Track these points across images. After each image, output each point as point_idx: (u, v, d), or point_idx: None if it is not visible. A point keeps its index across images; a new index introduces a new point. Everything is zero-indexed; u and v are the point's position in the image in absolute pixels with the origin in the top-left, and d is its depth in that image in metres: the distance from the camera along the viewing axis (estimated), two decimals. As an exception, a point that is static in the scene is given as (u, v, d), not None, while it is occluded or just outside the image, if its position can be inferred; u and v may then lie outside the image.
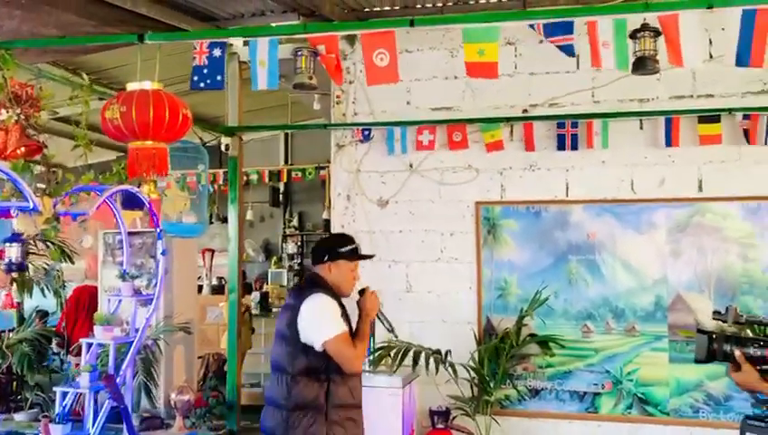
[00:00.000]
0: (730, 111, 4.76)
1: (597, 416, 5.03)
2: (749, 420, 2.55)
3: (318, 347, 3.02)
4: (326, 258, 3.23)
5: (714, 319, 2.70)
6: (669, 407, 4.88)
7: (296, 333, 3.07)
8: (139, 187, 4.18)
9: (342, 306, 3.18)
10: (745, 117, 4.74)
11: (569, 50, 3.14)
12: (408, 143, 5.39)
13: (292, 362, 3.07)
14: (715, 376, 4.73)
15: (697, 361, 2.63)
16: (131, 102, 3.28)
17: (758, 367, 2.48)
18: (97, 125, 3.76)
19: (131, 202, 4.91)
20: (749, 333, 2.63)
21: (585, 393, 5.07)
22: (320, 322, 3.06)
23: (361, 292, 3.28)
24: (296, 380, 3.05)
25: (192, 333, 5.71)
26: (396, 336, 3.57)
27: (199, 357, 7.13)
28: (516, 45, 5.24)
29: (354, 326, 3.21)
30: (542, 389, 5.15)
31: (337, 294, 3.19)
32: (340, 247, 3.25)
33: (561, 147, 5.08)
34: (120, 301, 4.50)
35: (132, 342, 4.25)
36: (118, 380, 3.89)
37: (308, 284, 3.29)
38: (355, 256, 3.27)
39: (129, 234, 4.96)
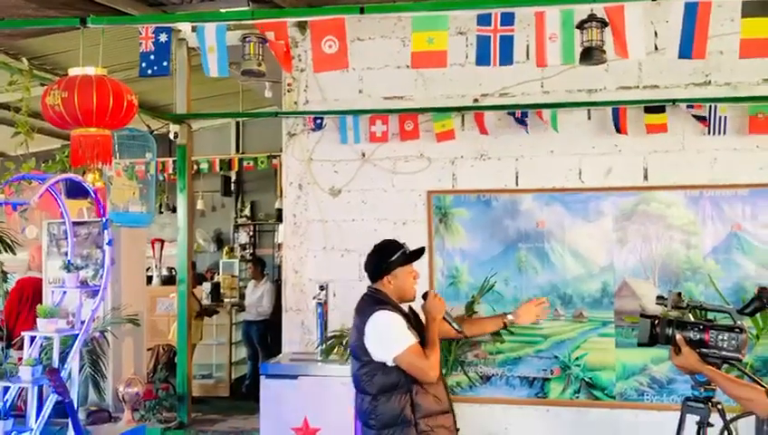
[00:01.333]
0: (674, 101, 4.87)
1: (546, 401, 5.13)
2: (689, 401, 2.63)
3: (390, 363, 3.03)
4: (382, 273, 3.21)
5: (657, 304, 2.76)
6: (615, 391, 5.00)
7: (366, 352, 3.09)
8: (83, 175, 4.07)
9: (408, 317, 3.16)
10: (689, 107, 4.86)
11: (508, 46, 3.18)
12: (361, 132, 5.38)
13: (370, 382, 3.09)
14: (659, 360, 4.87)
15: (640, 344, 2.72)
16: (73, 88, 3.18)
17: (697, 350, 2.55)
18: (39, 112, 3.65)
19: (76, 191, 4.79)
20: (690, 317, 2.69)
21: (534, 379, 5.16)
22: (387, 338, 3.07)
23: (424, 296, 3.26)
24: (377, 398, 3.06)
25: (140, 324, 5.61)
26: (465, 336, 3.51)
27: (149, 349, 7.02)
28: (467, 35, 5.25)
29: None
30: (493, 375, 5.22)
31: (399, 306, 3.17)
32: (390, 257, 3.22)
33: (510, 136, 5.13)
34: (64, 293, 4.38)
35: (78, 334, 4.15)
36: (62, 373, 3.79)
37: (369, 301, 3.22)
38: (408, 258, 3.24)
39: (75, 224, 4.83)
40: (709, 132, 4.83)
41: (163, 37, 3.25)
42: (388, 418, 3.02)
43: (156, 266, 9.07)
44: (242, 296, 8.78)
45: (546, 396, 5.13)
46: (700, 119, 4.84)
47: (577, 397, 5.07)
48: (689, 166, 4.98)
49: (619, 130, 4.93)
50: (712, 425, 2.55)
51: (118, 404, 5.30)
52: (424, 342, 3.11)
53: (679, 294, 2.77)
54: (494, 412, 5.19)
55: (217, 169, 9.50)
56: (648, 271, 4.99)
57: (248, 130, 10.84)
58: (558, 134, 5.05)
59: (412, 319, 3.23)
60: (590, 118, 5.11)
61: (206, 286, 8.69)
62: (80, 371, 4.69)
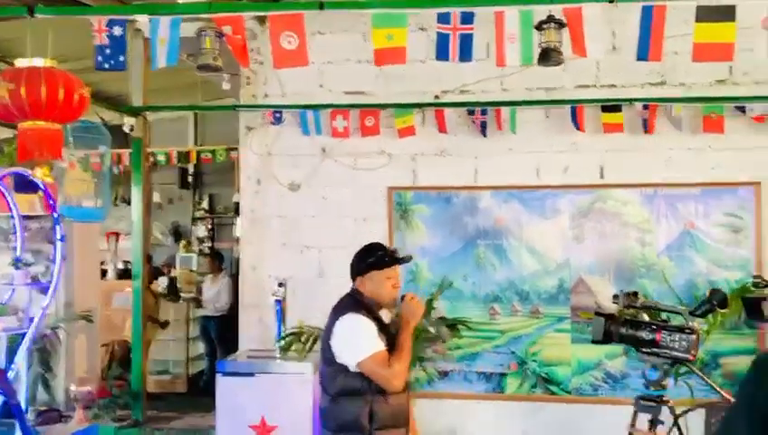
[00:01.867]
0: (631, 101, 4.95)
1: (503, 396, 5.18)
2: (641, 400, 2.66)
3: (352, 368, 2.95)
4: (358, 273, 3.13)
5: (612, 302, 2.79)
6: (571, 386, 5.08)
7: (332, 353, 3.02)
8: (32, 169, 3.95)
9: (381, 323, 3.06)
10: (645, 107, 4.94)
11: (468, 44, 3.18)
12: (321, 127, 5.33)
13: (331, 383, 3.03)
14: (613, 356, 4.96)
15: (594, 341, 2.74)
16: (20, 80, 3.08)
17: (649, 350, 2.59)
18: (-15, 102, 3.52)
19: (27, 184, 4.65)
20: (645, 317, 2.73)
21: (492, 374, 5.20)
22: (352, 342, 2.98)
23: (402, 298, 3.13)
24: (336, 400, 3.00)
25: (93, 321, 5.50)
26: (444, 341, 3.42)
27: (104, 345, 6.89)
28: (428, 31, 5.23)
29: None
30: (451, 370, 5.25)
31: (374, 311, 3.06)
32: (368, 258, 3.12)
33: (470, 133, 5.15)
34: (13, 290, 4.25)
35: (26, 333, 4.04)
36: (9, 373, 3.69)
37: (345, 302, 3.15)
38: (386, 263, 3.09)
39: (26, 218, 4.69)
40: (663, 132, 4.91)
41: (117, 30, 3.17)
42: (344, 422, 2.97)
43: (111, 260, 8.88)
44: (199, 291, 8.66)
45: (503, 391, 5.18)
46: (646, 124, 4.91)
47: (533, 392, 5.14)
48: (645, 165, 5.07)
49: (578, 128, 4.99)
50: (662, 422, 2.59)
51: (70, 403, 5.19)
52: (394, 347, 3.01)
53: (635, 293, 2.79)
54: (452, 407, 5.22)
55: (175, 161, 9.32)
56: (603, 268, 5.06)
57: (207, 121, 10.67)
58: (517, 132, 5.09)
59: (389, 325, 3.12)
60: (548, 116, 5.16)
61: (163, 281, 8.54)
62: (29, 369, 4.57)
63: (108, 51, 3.21)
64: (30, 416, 4.22)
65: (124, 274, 8.56)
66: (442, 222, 5.29)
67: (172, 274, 9.33)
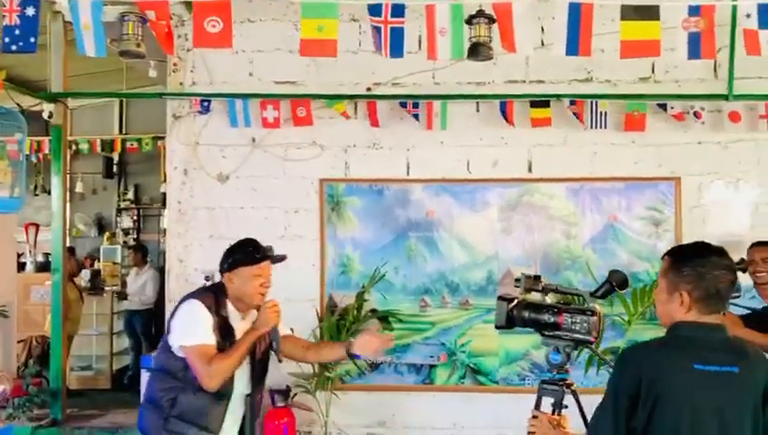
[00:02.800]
0: (558, 96, 5.05)
1: (433, 387, 5.22)
2: (544, 383, 2.64)
3: (175, 349, 2.87)
4: (226, 269, 3.01)
5: (515, 286, 2.76)
6: (499, 376, 5.16)
7: (168, 329, 2.95)
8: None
9: (226, 322, 2.93)
10: (572, 102, 5.05)
11: (398, 38, 3.17)
12: (251, 117, 5.22)
13: (156, 356, 2.98)
14: (538, 345, 5.02)
15: (498, 326, 2.71)
16: (-75, 62, 2.88)
17: (551, 332, 2.60)
18: None
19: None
20: (548, 301, 2.68)
21: (422, 366, 5.24)
22: (182, 327, 2.89)
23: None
24: (153, 374, 2.96)
25: (9, 316, 5.26)
26: (279, 359, 3.26)
27: (21, 341, 6.60)
28: (360, 22, 5.21)
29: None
30: (382, 362, 5.25)
31: (222, 306, 2.94)
32: (235, 254, 3.01)
33: (402, 126, 5.15)
34: None
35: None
36: None
37: (201, 289, 3.07)
38: (255, 259, 2.98)
39: (-68, 208, 4.43)
40: (591, 126, 5.03)
41: (30, 11, 3.00)
42: (151, 396, 2.94)
43: (30, 252, 8.51)
44: (124, 284, 8.40)
45: (433, 382, 5.22)
46: (577, 116, 5.03)
47: (462, 382, 5.20)
48: (571, 159, 5.18)
49: (507, 121, 5.06)
50: (566, 406, 2.58)
51: (-17, 402, 4.95)
52: (227, 347, 2.89)
53: (537, 277, 2.75)
54: (382, 400, 5.23)
55: (98, 149, 9.00)
56: (530, 260, 5.16)
57: (132, 109, 10.33)
58: (448, 126, 5.12)
59: (230, 328, 2.97)
60: (478, 110, 5.21)
61: (86, 274, 8.24)
62: (-62, 368, 4.33)
63: (17, 32, 3.05)
64: (-62, 418, 4.00)
65: (44, 266, 8.21)
66: (374, 214, 5.28)
67: (95, 266, 9.03)
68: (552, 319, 2.58)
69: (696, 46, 3.26)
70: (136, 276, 7.98)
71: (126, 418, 5.43)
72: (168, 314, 3.39)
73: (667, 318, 2.22)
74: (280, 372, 4.88)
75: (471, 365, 5.19)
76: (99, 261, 9.41)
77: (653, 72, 5.16)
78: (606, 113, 5.04)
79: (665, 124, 5.11)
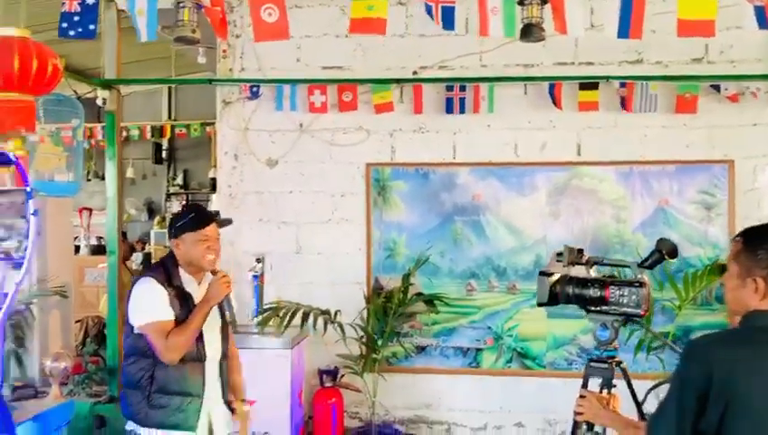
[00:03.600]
0: (608, 78, 4.97)
1: (479, 370, 5.24)
2: (592, 362, 2.55)
3: (136, 330, 2.98)
4: (173, 235, 3.08)
5: (557, 261, 2.64)
6: (546, 360, 5.15)
7: (128, 314, 3.04)
8: (4, 143, 3.86)
9: (182, 292, 3.01)
10: (622, 85, 4.97)
11: (449, 16, 3.16)
12: (298, 102, 5.28)
13: (125, 341, 3.07)
14: (587, 330, 4.99)
15: (540, 304, 2.61)
16: (-7, 50, 3.00)
17: (598, 307, 2.47)
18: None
19: (-3, 158, 4.55)
20: (592, 274, 2.56)
21: (468, 349, 5.26)
22: (137, 307, 2.98)
23: (213, 272, 3.06)
24: (128, 358, 3.04)
25: (68, 296, 5.43)
26: (234, 328, 3.33)
27: (78, 321, 6.82)
28: (407, 6, 5.22)
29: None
30: (428, 346, 5.29)
31: (175, 278, 3.02)
32: (178, 221, 3.07)
33: (449, 110, 5.14)
34: (-15, 265, 4.18)
35: (0, 308, 3.97)
36: (-16, 349, 3.64)
37: (153, 264, 3.21)
38: (197, 224, 3.01)
39: (-4, 192, 4.59)
40: (641, 109, 4.95)
41: (91, -1, 3.09)
42: (129, 380, 3.02)
43: (84, 236, 8.78)
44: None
45: (479, 366, 5.24)
46: (624, 102, 4.94)
47: (509, 366, 5.20)
48: (620, 142, 5.11)
49: (555, 104, 5.01)
50: (615, 385, 2.48)
51: (44, 379, 5.14)
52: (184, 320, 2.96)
53: (580, 250, 2.63)
54: (428, 382, 5.27)
55: (148, 135, 9.20)
56: (579, 244, 5.04)
57: (181, 95, 10.52)
58: (495, 109, 5.09)
59: (187, 295, 3.04)
60: (526, 93, 5.17)
61: (137, 257, 8.46)
62: (2, 345, 4.51)
63: (76, 18, 3.14)
64: (5, 391, 4.17)
65: (97, 250, 8.47)
66: (420, 198, 5.30)
67: (146, 250, 9.25)
68: (598, 293, 2.46)
69: (763, 18, 3.16)
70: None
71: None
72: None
73: (738, 306, 2.00)
74: (329, 353, 4.98)
75: (518, 349, 5.19)
76: (149, 245, 9.64)
77: (707, 52, 5.05)
78: (656, 96, 4.95)
79: (718, 106, 5.00)
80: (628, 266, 2.54)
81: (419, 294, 5.17)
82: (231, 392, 3.22)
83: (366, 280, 5.31)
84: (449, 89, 5.12)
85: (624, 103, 4.97)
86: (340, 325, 4.81)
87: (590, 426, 2.48)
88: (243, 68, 5.45)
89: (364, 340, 5.00)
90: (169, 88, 10.43)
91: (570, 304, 2.58)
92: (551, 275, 2.57)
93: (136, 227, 10.66)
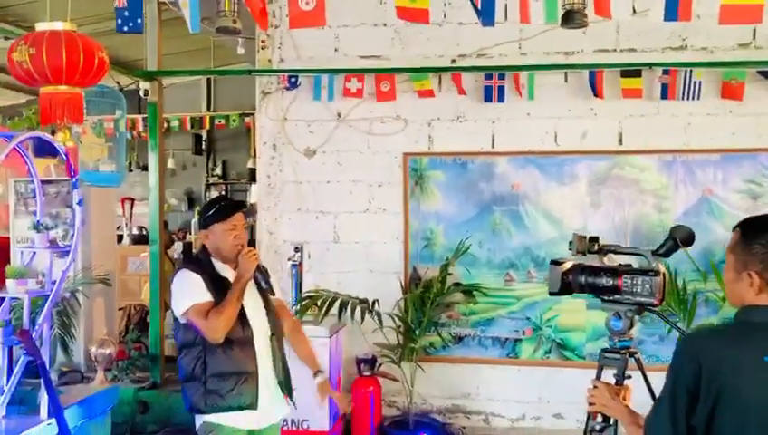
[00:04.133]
0: (651, 65, 4.88)
1: (517, 361, 5.21)
2: (605, 352, 2.50)
3: (181, 321, 3.03)
4: (200, 228, 3.17)
5: (569, 250, 2.58)
6: (585, 351, 5.10)
7: (173, 310, 3.09)
8: (52, 134, 3.95)
9: (217, 277, 3.05)
10: (665, 72, 4.87)
11: (489, 8, 3.13)
12: (336, 92, 5.30)
13: (176, 337, 3.12)
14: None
15: (552, 293, 2.55)
16: (42, 44, 3.06)
17: (611, 296, 2.41)
18: (3, 66, 3.52)
19: (44, 149, 4.66)
20: (605, 262, 2.50)
21: (506, 339, 5.23)
22: (176, 296, 3.03)
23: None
24: (180, 352, 3.08)
25: (111, 284, 5.56)
26: (273, 294, 3.35)
27: (120, 308, 6.97)
28: (446, -6, 5.18)
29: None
30: (466, 335, 5.28)
31: (208, 265, 3.07)
32: (206, 213, 3.12)
33: (488, 98, 5.10)
34: (33, 253, 4.29)
35: (49, 295, 4.08)
36: (33, 334, 3.74)
37: (186, 258, 3.24)
38: (222, 215, 3.05)
39: (43, 182, 4.70)
40: (683, 97, 4.85)
41: (135, -7, 3.13)
42: (185, 373, 3.04)
43: (126, 225, 8.94)
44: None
45: (518, 356, 5.21)
46: (665, 89, 4.84)
47: (548, 357, 5.17)
48: (663, 130, 5.01)
49: (596, 94, 4.94)
50: (630, 377, 2.42)
51: (89, 364, 5.27)
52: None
53: (593, 239, 2.55)
54: (466, 372, 5.27)
55: (188, 126, 9.32)
56: (620, 234, 5.05)
57: (220, 87, 10.64)
58: (535, 97, 5.04)
59: (223, 280, 3.06)
60: (566, 81, 5.10)
61: (178, 246, 8.60)
62: (50, 331, 4.63)
63: (126, 13, 3.20)
64: (52, 376, 4.29)
65: (139, 239, 8.63)
66: (458, 188, 5.28)
67: (187, 239, 9.39)
68: (611, 282, 2.40)
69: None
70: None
71: (219, 383, 5.65)
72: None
73: (735, 299, 1.94)
74: (367, 342, 5.00)
75: (557, 340, 5.14)
76: (190, 234, 9.78)
77: (754, 37, 4.91)
78: (700, 83, 4.84)
79: (765, 92, 4.87)
80: (643, 255, 2.46)
81: (457, 284, 5.16)
82: (306, 364, 3.24)
83: (403, 270, 5.31)
84: (488, 77, 5.08)
85: (666, 91, 4.86)
86: (378, 315, 4.83)
87: (606, 419, 2.45)
88: (281, 58, 5.48)
89: (402, 329, 5.01)
90: (208, 80, 10.54)
91: (582, 293, 2.51)
92: (562, 263, 2.51)
93: (176, 217, 10.83)
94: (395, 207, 5.35)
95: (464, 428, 5.16)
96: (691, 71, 4.82)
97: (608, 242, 2.66)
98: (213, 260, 3.10)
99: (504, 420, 5.25)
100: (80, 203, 4.37)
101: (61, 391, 3.99)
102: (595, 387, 2.38)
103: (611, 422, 2.40)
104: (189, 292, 2.99)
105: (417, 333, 4.99)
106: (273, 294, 3.16)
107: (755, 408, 1.79)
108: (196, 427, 3.08)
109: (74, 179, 4.22)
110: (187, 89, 10.23)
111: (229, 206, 3.13)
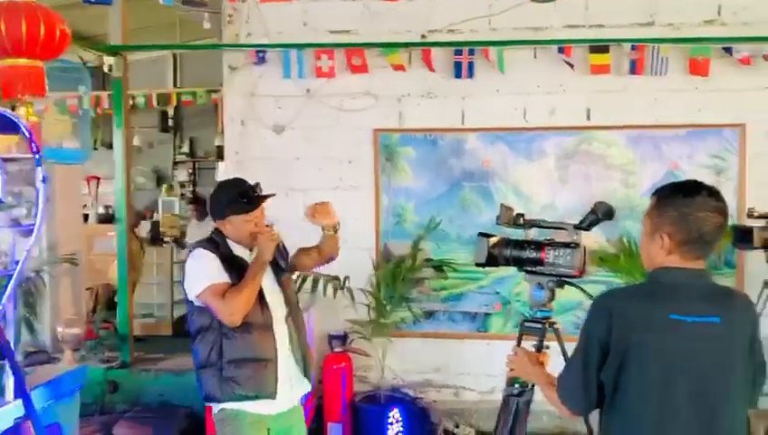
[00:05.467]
0: (619, 41, 4.91)
1: (487, 335, 5.27)
2: (526, 322, 2.61)
3: (196, 303, 2.89)
4: (216, 217, 3.00)
5: (496, 224, 2.67)
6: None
7: (185, 292, 2.95)
8: (13, 109, 3.84)
9: (233, 257, 2.94)
10: (633, 48, 4.91)
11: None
12: (306, 67, 5.24)
13: (190, 321, 2.98)
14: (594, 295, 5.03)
15: (477, 264, 2.62)
16: (0, 15, 2.97)
17: (534, 268, 2.50)
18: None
19: (4, 126, 4.54)
20: (530, 236, 2.58)
21: (476, 314, 5.28)
22: (191, 277, 2.88)
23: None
24: (195, 338, 2.94)
25: (78, 264, 5.47)
26: (291, 271, 3.26)
27: (88, 289, 6.88)
28: (416, -31, 5.14)
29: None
30: (436, 311, 5.32)
31: (225, 245, 2.95)
32: (223, 202, 2.97)
33: (457, 74, 5.10)
34: (-4, 232, 4.20)
35: (12, 275, 4.00)
36: (-2, 315, 3.67)
37: (203, 239, 3.05)
38: (243, 209, 2.93)
39: (5, 160, 4.58)
40: (652, 73, 4.90)
41: (99, -37, 3.05)
42: (200, 359, 2.91)
43: (92, 205, 8.81)
44: (182, 235, 8.62)
45: (487, 330, 5.27)
46: (634, 64, 4.88)
47: (517, 331, 5.21)
48: (630, 106, 5.06)
49: (568, 64, 4.94)
50: (548, 347, 2.54)
51: (56, 345, 5.20)
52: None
53: (519, 214, 2.65)
54: (436, 347, 5.31)
55: (154, 103, 9.15)
56: (587, 210, 5.06)
57: (186, 63, 10.45)
58: (504, 73, 5.04)
59: (240, 261, 2.96)
60: (535, 57, 5.11)
61: (146, 225, 8.49)
62: (14, 311, 4.55)
63: (92, -15, 3.11)
64: (18, 357, 4.22)
65: (105, 218, 8.51)
66: (428, 164, 5.28)
67: (154, 218, 9.28)
68: (535, 254, 2.50)
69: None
70: (196, 228, 8.17)
71: (189, 361, 5.53)
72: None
73: (648, 262, 2.05)
74: (338, 318, 5.02)
75: (526, 314, 5.18)
76: (157, 213, 9.66)
77: (719, 14, 4.97)
78: (667, 59, 4.90)
79: (730, 69, 4.94)
80: (565, 229, 2.53)
81: (428, 260, 5.19)
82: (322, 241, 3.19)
83: (375, 246, 5.32)
84: (458, 53, 5.07)
85: (635, 66, 4.90)
86: (350, 291, 4.84)
87: (525, 384, 2.53)
88: (249, 33, 5.40)
89: (373, 305, 5.03)
90: (174, 55, 10.35)
91: (507, 266, 2.59)
92: (490, 236, 2.58)
93: (144, 195, 10.68)
94: (366, 184, 5.34)
95: (434, 401, 5.22)
96: (658, 47, 4.86)
97: (575, 217, 2.72)
98: (229, 241, 2.98)
99: (474, 393, 5.31)
100: (44, 181, 4.28)
101: (27, 372, 3.93)
102: (515, 353, 2.47)
103: (529, 387, 2.49)
104: (206, 272, 2.85)
105: (388, 308, 5.02)
106: (292, 273, 3.07)
107: (661, 362, 1.89)
108: (214, 413, 2.94)
109: (38, 157, 4.12)
110: (152, 65, 10.03)
111: (250, 198, 2.96)
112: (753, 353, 1.99)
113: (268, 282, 2.97)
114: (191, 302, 2.92)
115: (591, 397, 1.97)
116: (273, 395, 2.89)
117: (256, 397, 2.86)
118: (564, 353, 2.48)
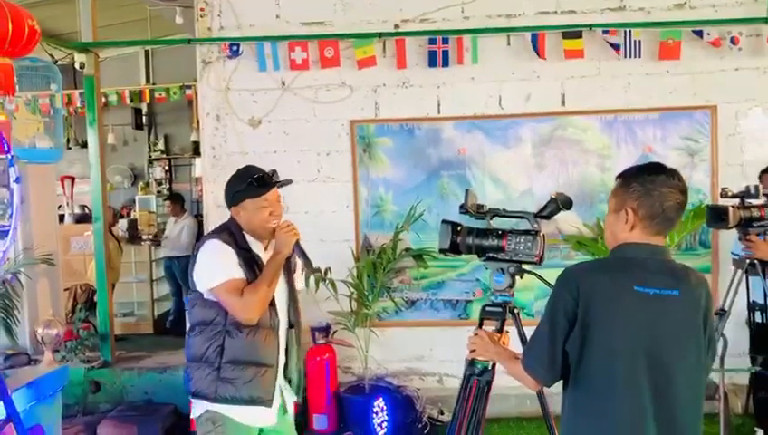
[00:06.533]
0: (591, 26, 4.95)
1: (468, 322, 5.28)
2: (487, 307, 2.66)
3: (206, 296, 2.74)
4: (232, 203, 2.83)
5: (460, 213, 2.68)
6: (534, 309, 5.22)
7: (192, 282, 2.80)
8: (-18, 109, 3.79)
9: (250, 253, 2.80)
10: (605, 32, 4.95)
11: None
12: (280, 60, 5.22)
13: (191, 312, 2.84)
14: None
15: (441, 250, 2.65)
16: (-34, 13, 2.92)
17: (495, 255, 2.57)
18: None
19: (-25, 126, 4.47)
20: (492, 224, 2.63)
21: (457, 301, 5.32)
22: (206, 269, 2.74)
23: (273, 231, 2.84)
24: (193, 330, 2.81)
25: (55, 264, 5.41)
26: (316, 271, 3.09)
27: (66, 289, 6.82)
28: (387, -42, 5.14)
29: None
30: (418, 299, 5.35)
31: (242, 240, 2.81)
32: (238, 186, 2.80)
33: (432, 63, 5.11)
34: (-30, 234, 4.14)
35: (-12, 277, 3.96)
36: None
37: (216, 228, 2.91)
38: (255, 191, 2.78)
39: (-24, 161, 4.53)
40: (625, 56, 4.95)
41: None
42: (195, 353, 2.78)
43: (67, 205, 8.70)
44: (160, 232, 8.55)
45: (468, 317, 5.30)
46: (614, 46, 4.94)
47: (498, 317, 5.26)
48: (604, 91, 5.12)
49: (539, 55, 4.99)
50: (508, 332, 2.60)
51: (36, 346, 5.14)
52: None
53: (480, 204, 2.69)
54: (419, 335, 5.34)
55: (127, 100, 9.06)
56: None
57: (158, 58, 10.35)
58: (479, 61, 5.06)
59: (256, 258, 2.83)
60: (509, 44, 5.13)
61: (123, 223, 8.42)
62: (-7, 314, 4.51)
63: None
64: (-3, 360, 4.18)
65: (81, 218, 8.41)
66: (405, 154, 5.29)
67: (131, 216, 9.20)
68: (496, 242, 2.56)
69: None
70: (174, 225, 8.12)
71: (172, 359, 5.61)
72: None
73: (612, 239, 2.14)
74: (321, 310, 5.02)
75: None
76: (134, 211, 9.58)
77: (688, -3, 5.03)
78: (640, 42, 4.95)
79: (701, 51, 5.01)
80: (526, 218, 2.59)
81: (408, 250, 5.20)
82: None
83: (354, 237, 5.33)
84: (432, 42, 5.08)
85: (616, 49, 4.94)
86: (332, 282, 4.84)
87: (485, 367, 2.56)
88: (221, 26, 5.36)
89: (355, 296, 5.04)
90: (146, 52, 10.25)
91: (469, 254, 2.63)
92: (453, 224, 2.63)
93: (120, 193, 10.58)
94: (344, 176, 5.33)
95: (418, 389, 5.25)
96: (630, 31, 4.91)
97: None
98: (245, 234, 2.82)
99: (457, 380, 5.29)
100: (17, 181, 4.22)
101: (7, 374, 3.89)
102: (476, 335, 2.54)
103: (490, 367, 2.53)
104: (223, 265, 2.70)
105: (370, 299, 5.03)
106: (311, 268, 2.86)
107: (626, 332, 1.98)
108: (196, 413, 2.80)
109: (10, 156, 4.06)
110: (124, 62, 9.93)
111: (262, 180, 2.80)
112: (706, 327, 2.09)
113: (279, 285, 2.84)
114: (196, 292, 2.79)
115: (557, 366, 2.05)
116: (269, 402, 2.79)
117: (252, 402, 2.75)
118: (523, 339, 2.52)
